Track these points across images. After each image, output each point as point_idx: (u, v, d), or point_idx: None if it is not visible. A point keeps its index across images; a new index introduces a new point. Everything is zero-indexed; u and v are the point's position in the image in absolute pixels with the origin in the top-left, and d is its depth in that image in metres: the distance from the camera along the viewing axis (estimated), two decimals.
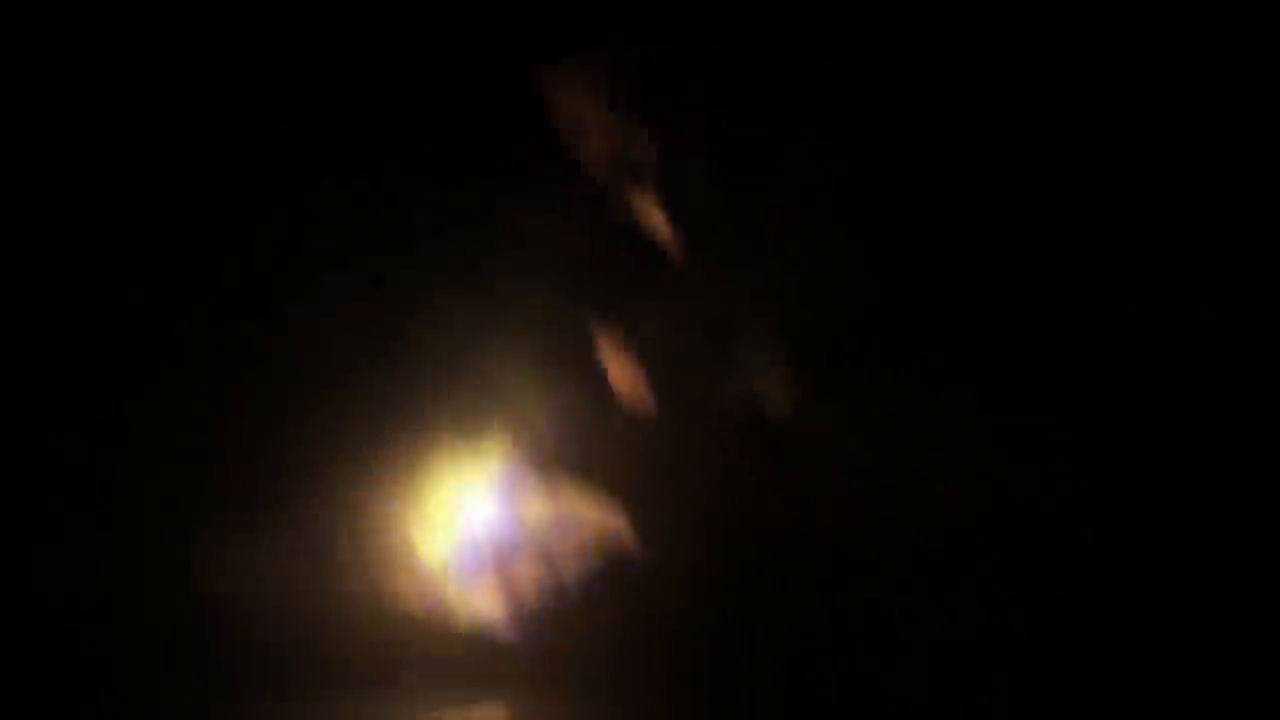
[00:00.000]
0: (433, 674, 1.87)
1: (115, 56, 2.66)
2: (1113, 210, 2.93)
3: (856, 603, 2.00)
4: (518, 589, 2.09)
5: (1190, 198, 2.88)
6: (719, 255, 2.38)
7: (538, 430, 2.24)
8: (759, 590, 2.01)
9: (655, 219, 2.41)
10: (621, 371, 2.42)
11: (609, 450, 2.31)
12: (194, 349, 2.51)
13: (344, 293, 2.63)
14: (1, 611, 2.04)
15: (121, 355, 2.50)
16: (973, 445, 2.33)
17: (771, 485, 2.26)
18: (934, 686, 1.91)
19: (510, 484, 2.21)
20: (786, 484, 2.27)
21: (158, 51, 2.73)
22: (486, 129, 2.67)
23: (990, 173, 2.94)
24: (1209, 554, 2.11)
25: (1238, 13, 2.74)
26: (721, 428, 2.35)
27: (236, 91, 2.76)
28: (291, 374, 2.47)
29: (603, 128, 2.38)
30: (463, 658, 1.88)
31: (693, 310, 2.42)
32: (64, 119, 2.67)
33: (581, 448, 2.28)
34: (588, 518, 2.21)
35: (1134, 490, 2.24)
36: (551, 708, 2.04)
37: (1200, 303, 2.66)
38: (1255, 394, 2.40)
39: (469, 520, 2.15)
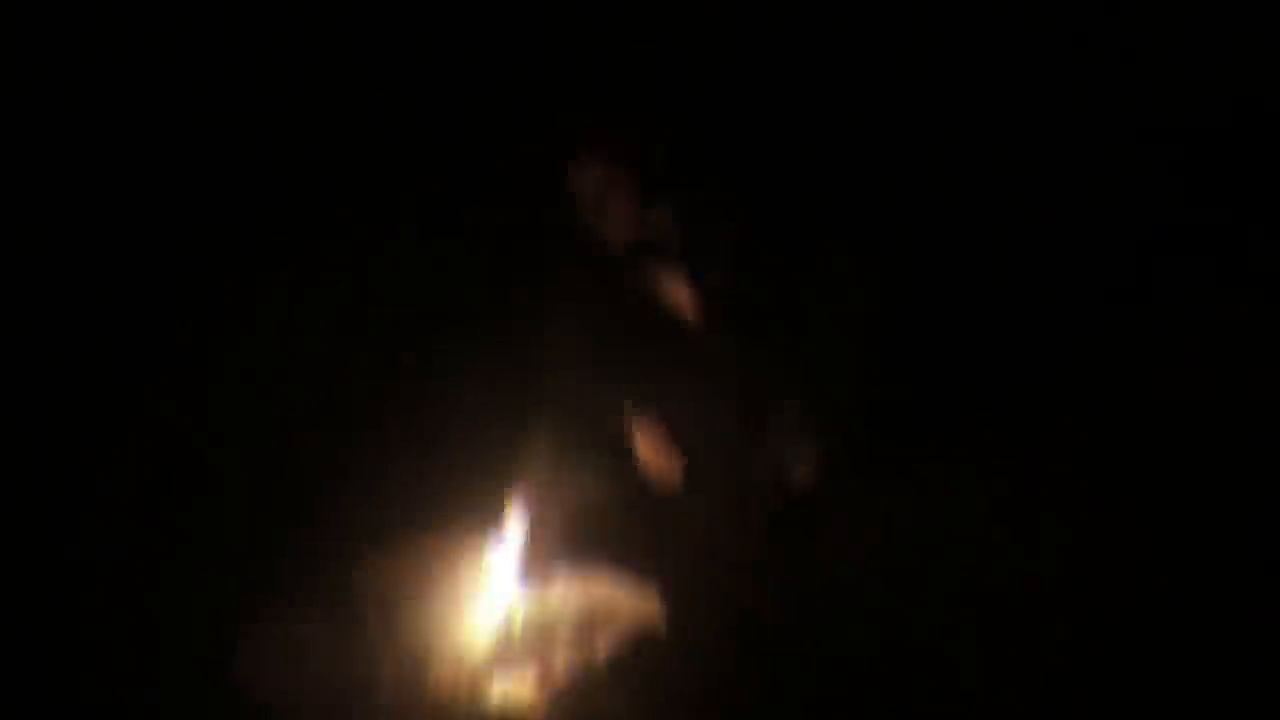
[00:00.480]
0: None
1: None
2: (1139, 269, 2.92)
3: (888, 680, 2.05)
4: (549, 671, 2.13)
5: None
6: (747, 332, 2.40)
7: (567, 513, 2.31)
8: (788, 668, 2.04)
9: (682, 296, 2.42)
10: (651, 451, 2.44)
11: (638, 530, 2.36)
12: (225, 443, 2.54)
13: (373, 380, 2.66)
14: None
15: (154, 443, 2.54)
16: (1005, 518, 2.34)
17: (801, 563, 2.30)
18: None
19: (540, 568, 2.28)
20: (816, 561, 2.31)
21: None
22: (509, 211, 2.69)
23: (1009, 235, 2.94)
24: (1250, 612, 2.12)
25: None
26: (750, 506, 2.39)
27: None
28: (323, 465, 2.50)
29: (626, 206, 2.37)
30: None
31: (721, 388, 2.43)
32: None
33: (611, 528, 2.33)
34: (618, 600, 2.26)
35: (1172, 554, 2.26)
36: None
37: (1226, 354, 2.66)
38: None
39: (500, 604, 2.20)
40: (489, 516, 2.28)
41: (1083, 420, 2.65)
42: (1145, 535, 2.29)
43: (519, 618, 2.20)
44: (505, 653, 2.17)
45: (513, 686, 2.14)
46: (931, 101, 3.10)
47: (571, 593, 2.28)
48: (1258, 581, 2.16)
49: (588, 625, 2.24)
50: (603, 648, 2.16)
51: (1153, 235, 2.92)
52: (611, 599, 2.26)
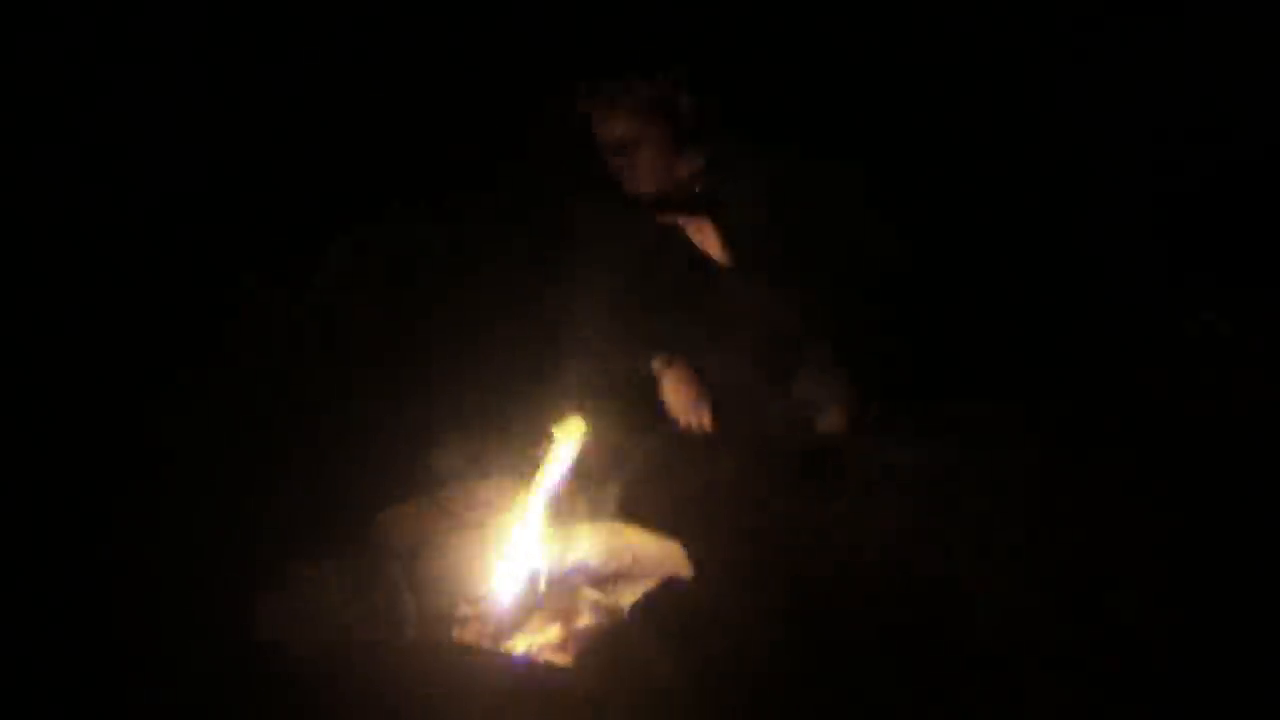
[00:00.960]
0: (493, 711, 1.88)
1: None
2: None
3: (910, 626, 1.99)
4: (574, 623, 2.09)
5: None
6: (774, 283, 2.37)
7: (593, 463, 2.27)
8: (812, 615, 2.00)
9: (710, 247, 2.39)
10: (679, 401, 2.41)
11: (664, 480, 2.32)
12: (246, 395, 2.53)
13: (395, 334, 2.64)
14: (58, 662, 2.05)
15: (178, 403, 2.54)
16: (1028, 469, 2.31)
17: (825, 510, 2.26)
18: (987, 705, 1.90)
19: (566, 518, 2.23)
20: (840, 509, 2.27)
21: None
22: (538, 166, 2.67)
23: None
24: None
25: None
26: (776, 454, 2.35)
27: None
28: (343, 419, 2.48)
29: (654, 158, 2.36)
30: (523, 695, 1.88)
31: (748, 338, 2.41)
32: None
33: (637, 478, 2.29)
34: (643, 549, 2.22)
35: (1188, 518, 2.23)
36: None
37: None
38: None
39: (525, 556, 2.15)
40: (514, 467, 2.26)
41: (1102, 379, 2.67)
42: (1156, 500, 2.27)
43: (544, 568, 2.15)
44: (530, 604, 2.13)
45: (538, 638, 2.09)
46: (953, 65, 3.09)
47: (597, 541, 2.24)
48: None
49: (613, 575, 2.20)
50: (628, 598, 2.11)
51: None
52: (637, 546, 2.21)
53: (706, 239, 2.41)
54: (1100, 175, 3.09)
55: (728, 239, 2.41)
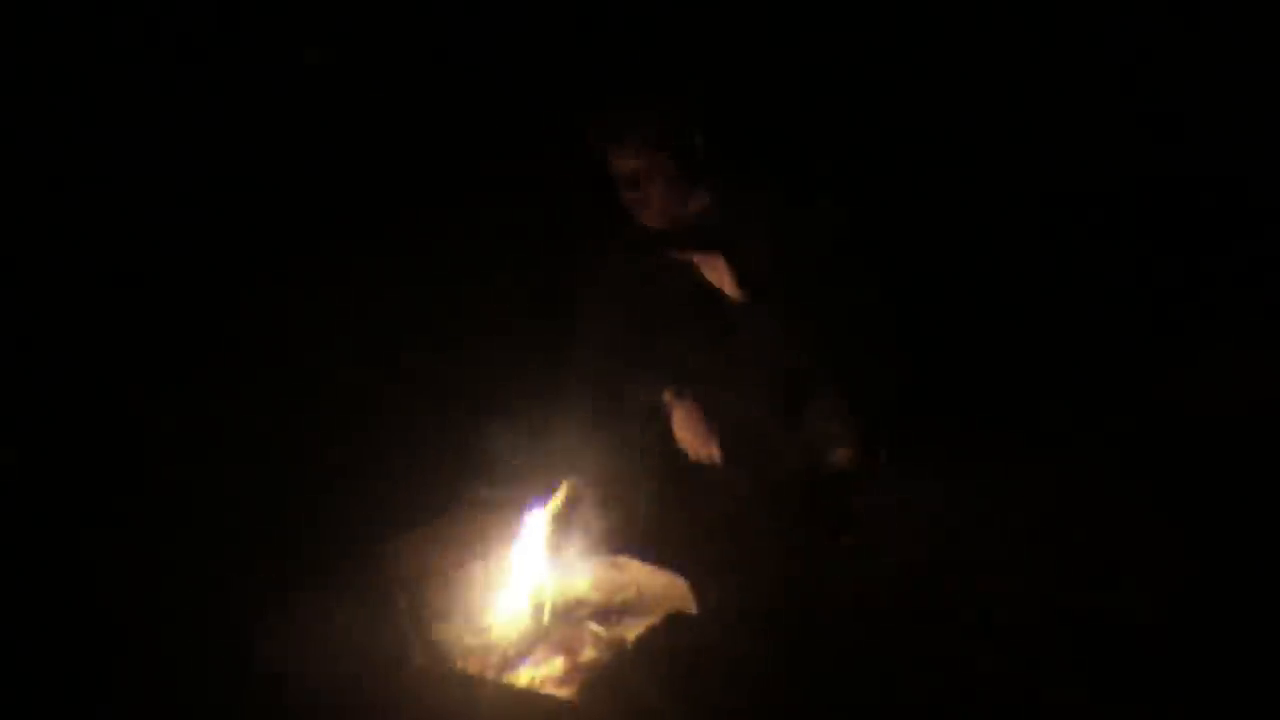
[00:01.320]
0: None
1: None
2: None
3: (914, 660, 1.99)
4: (578, 654, 2.10)
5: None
6: (784, 316, 2.37)
7: (599, 494, 2.29)
8: (817, 650, 2.00)
9: (720, 279, 2.40)
10: (687, 433, 2.42)
11: (671, 513, 2.33)
12: (253, 425, 2.54)
13: (402, 362, 2.65)
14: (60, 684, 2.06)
15: (184, 429, 2.55)
16: (1030, 503, 2.31)
17: (832, 545, 2.26)
18: None
19: (571, 549, 2.24)
20: (847, 544, 2.27)
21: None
22: (548, 197, 2.68)
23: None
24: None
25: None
26: (784, 489, 2.36)
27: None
28: (352, 447, 2.49)
29: (666, 190, 2.36)
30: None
31: (758, 371, 2.41)
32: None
33: (644, 510, 2.30)
34: (648, 581, 2.22)
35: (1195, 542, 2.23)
36: None
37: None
38: None
39: (530, 587, 2.17)
40: (521, 498, 2.26)
41: (1111, 412, 2.66)
42: (1167, 527, 2.28)
43: (548, 600, 2.16)
44: (534, 635, 2.13)
45: (541, 670, 2.10)
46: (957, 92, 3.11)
47: (602, 574, 2.24)
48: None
49: (617, 609, 2.21)
50: (632, 632, 2.12)
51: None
52: (642, 581, 2.22)
53: (719, 275, 2.42)
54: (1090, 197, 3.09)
55: (740, 275, 2.42)
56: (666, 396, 2.47)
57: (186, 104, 2.89)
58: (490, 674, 2.10)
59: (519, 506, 2.25)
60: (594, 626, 2.16)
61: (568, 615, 2.19)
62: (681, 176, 2.38)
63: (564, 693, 2.04)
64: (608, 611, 2.22)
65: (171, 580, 2.26)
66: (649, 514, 2.31)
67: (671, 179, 2.37)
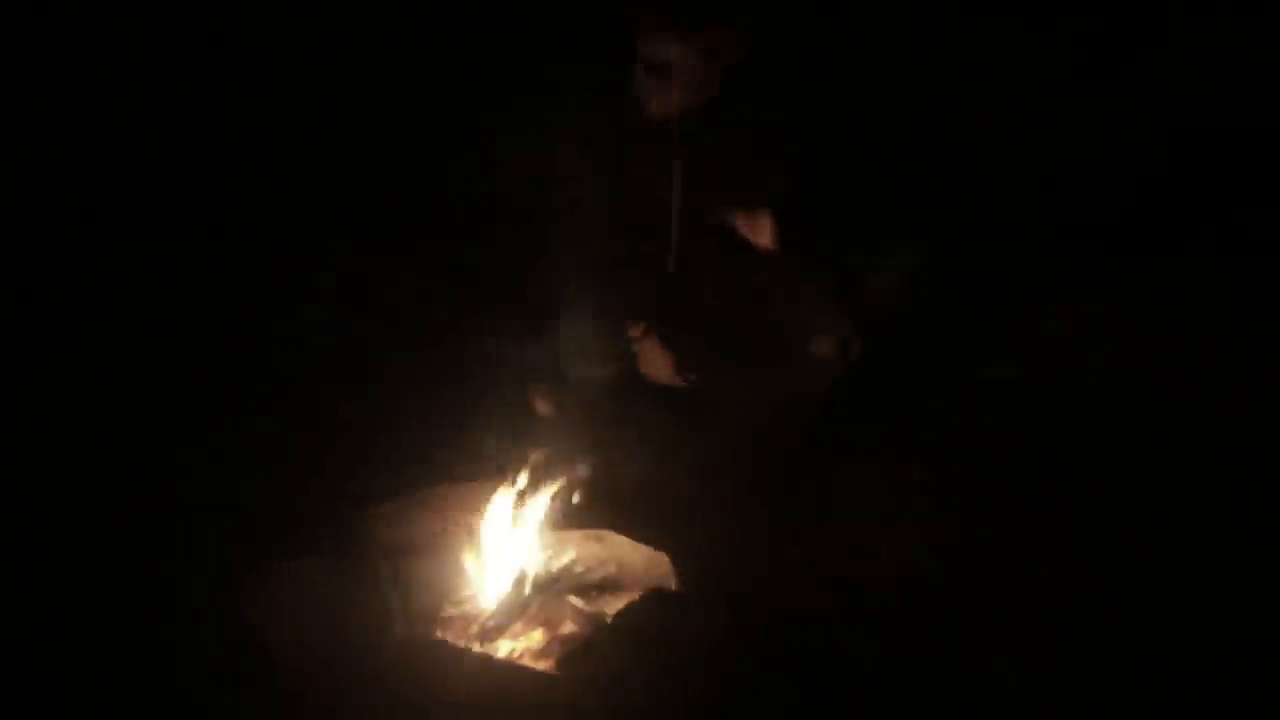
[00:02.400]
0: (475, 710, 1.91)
1: None
2: None
3: (892, 641, 2.02)
4: (557, 628, 2.11)
5: None
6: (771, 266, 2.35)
7: (581, 468, 2.30)
8: (794, 629, 2.03)
9: (762, 235, 2.39)
10: (659, 366, 2.42)
11: (655, 490, 2.34)
12: (233, 393, 2.53)
13: (386, 324, 2.63)
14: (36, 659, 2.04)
15: (163, 399, 2.54)
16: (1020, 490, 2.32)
17: (816, 536, 2.27)
18: None
19: (552, 523, 2.25)
20: (831, 536, 2.28)
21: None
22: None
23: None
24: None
25: None
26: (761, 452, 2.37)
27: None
28: (337, 418, 2.48)
29: (687, 79, 2.33)
30: (504, 698, 1.91)
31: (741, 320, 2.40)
32: None
33: (623, 486, 2.31)
34: (630, 559, 2.24)
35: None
36: None
37: None
38: None
39: (511, 560, 2.17)
40: (503, 470, 2.25)
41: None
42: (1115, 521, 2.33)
43: (530, 573, 2.17)
44: (515, 609, 2.15)
45: (521, 643, 2.12)
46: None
47: (583, 548, 2.25)
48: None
49: (598, 583, 2.22)
50: (612, 607, 2.13)
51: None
52: (623, 556, 2.23)
53: (759, 230, 2.41)
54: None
55: (782, 231, 2.41)
56: (634, 333, 2.47)
57: (185, 103, 2.88)
58: (469, 644, 2.12)
59: (502, 477, 2.24)
60: (575, 600, 2.17)
61: (549, 588, 2.20)
62: (706, 73, 2.32)
63: (543, 665, 2.05)
64: (589, 585, 2.22)
65: (149, 549, 2.25)
66: (630, 489, 2.32)
67: (696, 74, 2.33)
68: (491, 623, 2.14)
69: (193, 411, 2.55)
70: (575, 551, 2.26)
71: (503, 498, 2.23)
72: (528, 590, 2.18)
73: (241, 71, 2.93)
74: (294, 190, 2.85)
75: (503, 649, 2.11)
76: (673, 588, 2.14)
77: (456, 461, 2.38)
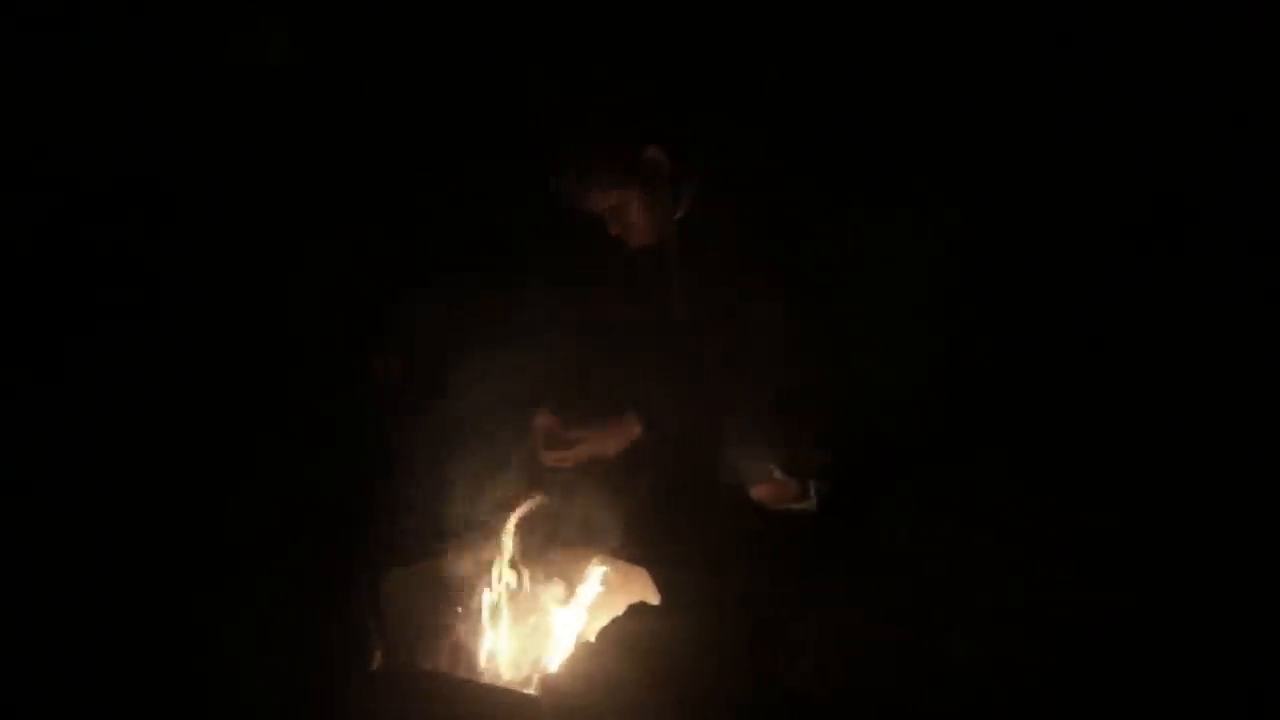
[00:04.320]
0: None
1: None
2: None
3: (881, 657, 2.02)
4: (546, 666, 2.09)
5: None
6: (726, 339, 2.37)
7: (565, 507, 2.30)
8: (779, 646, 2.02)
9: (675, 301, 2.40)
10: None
11: (643, 514, 2.35)
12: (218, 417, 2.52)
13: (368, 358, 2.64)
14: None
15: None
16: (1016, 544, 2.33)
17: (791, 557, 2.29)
18: None
19: (539, 547, 2.25)
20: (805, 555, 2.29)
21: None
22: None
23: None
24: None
25: None
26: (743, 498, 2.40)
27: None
28: (321, 446, 2.48)
29: (643, 207, 2.34)
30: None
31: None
32: None
33: (609, 523, 2.31)
34: (615, 578, 2.22)
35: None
36: None
37: None
38: None
39: (496, 583, 2.16)
40: (485, 494, 2.26)
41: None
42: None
43: (514, 594, 2.16)
44: (497, 629, 2.13)
45: (504, 665, 2.09)
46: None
47: (567, 569, 2.24)
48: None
49: (581, 600, 2.21)
50: (596, 625, 2.11)
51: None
52: (608, 575, 2.22)
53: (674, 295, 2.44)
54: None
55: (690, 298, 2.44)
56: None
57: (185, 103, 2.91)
58: (452, 670, 2.09)
59: (484, 503, 2.24)
60: (559, 619, 2.15)
61: (533, 608, 2.18)
62: (658, 193, 2.35)
63: (527, 688, 2.03)
64: (571, 604, 2.21)
65: (122, 574, 2.22)
66: (620, 510, 2.31)
67: (648, 199, 2.36)
68: (473, 646, 2.12)
69: (168, 434, 2.53)
70: (559, 570, 2.25)
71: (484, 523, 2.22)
72: (509, 612, 2.16)
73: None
74: None
75: (485, 673, 2.09)
76: (657, 605, 2.13)
77: (435, 491, 2.35)
